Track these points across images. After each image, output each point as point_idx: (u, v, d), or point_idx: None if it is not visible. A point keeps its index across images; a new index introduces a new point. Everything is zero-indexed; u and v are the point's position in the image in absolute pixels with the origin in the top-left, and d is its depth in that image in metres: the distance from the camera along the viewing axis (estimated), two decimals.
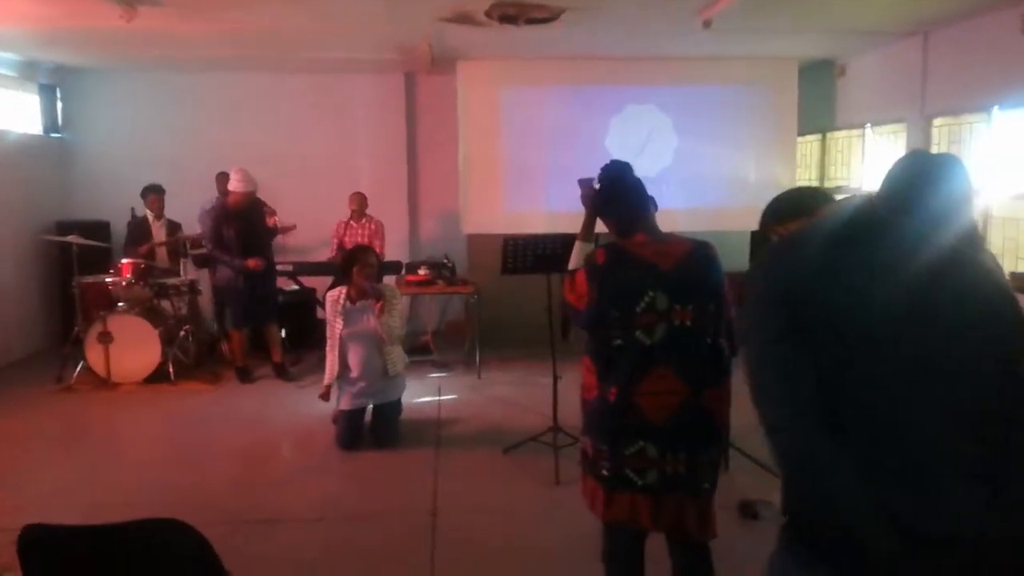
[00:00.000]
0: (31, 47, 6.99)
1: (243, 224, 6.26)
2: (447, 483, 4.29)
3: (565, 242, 4.32)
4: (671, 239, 2.53)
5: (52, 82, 7.93)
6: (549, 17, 5.29)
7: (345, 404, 4.89)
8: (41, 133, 7.85)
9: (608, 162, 2.70)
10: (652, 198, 2.61)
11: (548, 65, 7.45)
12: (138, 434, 5.35)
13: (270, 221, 6.49)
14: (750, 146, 7.63)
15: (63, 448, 5.03)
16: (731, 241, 8.38)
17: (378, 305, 4.76)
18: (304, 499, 4.10)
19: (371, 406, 4.95)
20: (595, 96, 7.53)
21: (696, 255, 2.49)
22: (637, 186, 2.61)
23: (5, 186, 7.12)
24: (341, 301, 4.88)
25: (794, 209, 2.14)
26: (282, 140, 8.19)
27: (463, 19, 5.47)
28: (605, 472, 2.45)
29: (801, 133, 7.80)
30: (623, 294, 2.39)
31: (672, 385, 2.38)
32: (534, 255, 4.40)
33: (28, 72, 7.59)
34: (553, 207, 7.63)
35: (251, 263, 6.23)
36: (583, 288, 2.46)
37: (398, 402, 5.05)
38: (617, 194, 2.60)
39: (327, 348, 4.95)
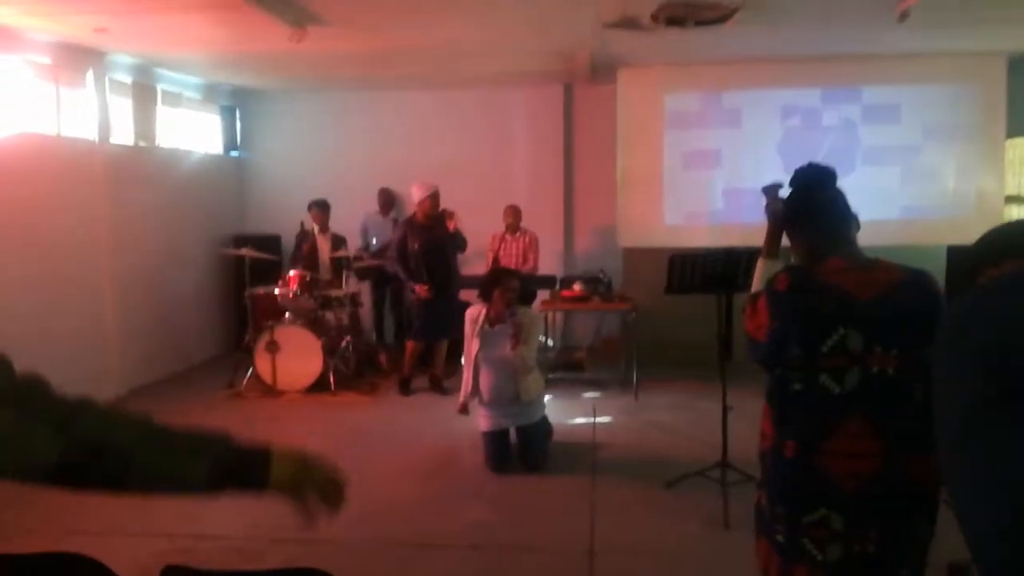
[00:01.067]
0: (213, 70, 7.45)
1: (428, 238, 6.31)
2: (605, 518, 4.00)
3: (737, 259, 3.95)
4: (877, 265, 2.06)
5: (232, 103, 8.45)
6: (722, 17, 4.92)
7: (485, 425, 4.75)
8: (221, 152, 8.36)
9: (803, 165, 2.22)
10: (855, 215, 2.16)
11: (715, 70, 7.03)
12: (299, 443, 5.43)
13: (450, 224, 6.42)
14: (949, 150, 6.82)
15: None
16: (925, 257, 7.52)
17: (516, 334, 4.59)
18: (457, 523, 3.97)
19: (514, 428, 4.77)
20: (767, 101, 7.02)
21: (908, 286, 2.01)
22: (837, 199, 2.16)
23: (190, 202, 7.62)
24: (479, 321, 4.74)
25: (1013, 246, 1.67)
26: (440, 155, 8.24)
27: (628, 24, 5.21)
28: (780, 538, 2.06)
29: (1010, 135, 6.89)
30: (807, 328, 1.98)
31: (867, 446, 1.95)
32: (702, 274, 4.04)
33: (210, 95, 8.12)
34: (718, 220, 7.20)
35: (419, 289, 6.29)
36: (764, 317, 2.06)
37: (543, 424, 4.84)
38: (810, 207, 2.16)
39: (463, 363, 4.84)
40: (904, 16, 4.82)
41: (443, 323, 6.38)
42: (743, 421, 4.15)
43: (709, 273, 4.02)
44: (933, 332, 1.99)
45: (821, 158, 6.99)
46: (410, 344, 6.60)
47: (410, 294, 6.52)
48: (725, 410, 4.16)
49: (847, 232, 2.13)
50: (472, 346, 4.73)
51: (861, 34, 5.91)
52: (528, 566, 3.56)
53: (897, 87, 6.86)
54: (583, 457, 4.92)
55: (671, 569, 3.54)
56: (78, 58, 6.07)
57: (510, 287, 4.70)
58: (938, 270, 6.98)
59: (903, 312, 1.99)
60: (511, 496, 4.36)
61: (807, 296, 2.01)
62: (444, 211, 6.41)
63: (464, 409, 4.90)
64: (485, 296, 4.80)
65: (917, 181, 6.87)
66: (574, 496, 4.29)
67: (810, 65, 6.86)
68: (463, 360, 4.87)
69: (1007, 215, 7.03)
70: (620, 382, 6.71)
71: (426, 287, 6.29)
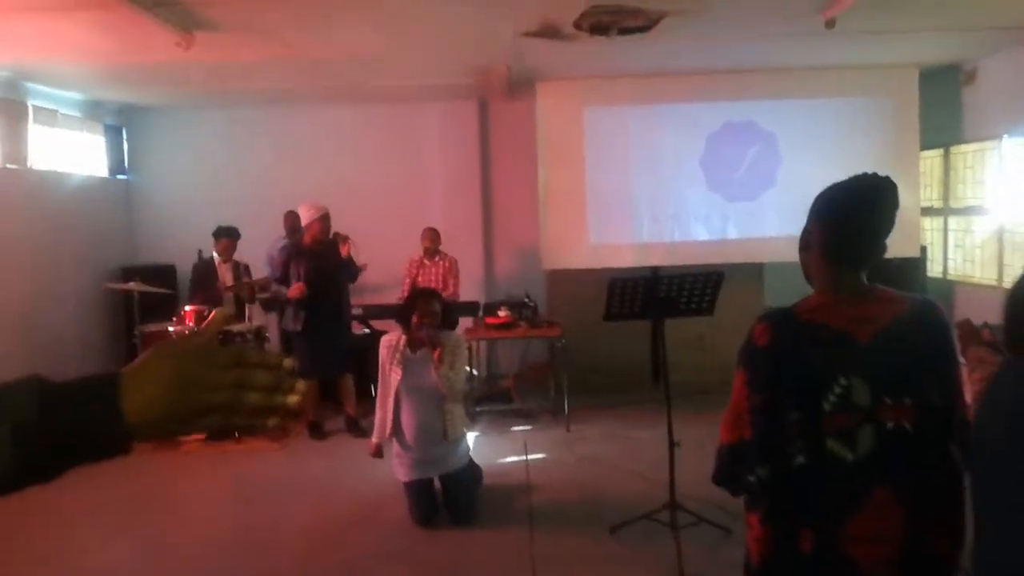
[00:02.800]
0: (95, 85, 6.74)
1: (317, 263, 5.75)
2: None
3: (681, 284, 3.65)
4: (874, 295, 1.72)
5: (118, 122, 7.71)
6: (646, 25, 4.65)
7: (403, 475, 4.27)
8: (107, 175, 7.60)
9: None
10: (884, 244, 1.74)
11: (636, 83, 6.81)
12: (199, 507, 4.78)
13: (343, 249, 5.89)
14: (867, 164, 6.76)
15: (120, 522, 4.54)
16: None
17: (436, 354, 4.14)
18: None
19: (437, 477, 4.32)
20: (689, 114, 6.85)
21: (912, 319, 1.69)
22: (875, 218, 1.71)
23: (70, 230, 6.84)
24: (401, 348, 4.28)
25: None
26: (351, 175, 7.76)
27: (549, 32, 4.89)
28: None
29: (921, 148, 6.93)
30: (802, 385, 1.62)
31: (895, 522, 1.59)
32: (643, 299, 3.71)
33: (93, 112, 7.37)
34: (645, 238, 6.96)
35: (291, 292, 5.66)
36: (742, 401, 1.66)
37: (467, 470, 4.39)
38: (839, 223, 1.73)
39: (378, 399, 4.35)
40: (831, 23, 4.68)
41: (334, 356, 5.84)
42: (687, 454, 3.85)
43: (650, 297, 3.69)
44: (942, 373, 1.70)
45: (743, 171, 7.00)
46: (300, 384, 6.03)
47: (290, 325, 5.90)
48: (672, 445, 3.83)
49: (866, 260, 1.73)
50: (392, 376, 4.25)
51: (783, 45, 5.80)
52: None
53: (816, 100, 6.81)
54: (519, 503, 4.51)
55: None
56: None
57: (430, 310, 4.25)
58: None
59: (909, 351, 1.67)
60: (439, 556, 3.89)
61: (797, 344, 1.66)
62: (337, 235, 5.90)
63: (378, 452, 4.39)
64: (403, 321, 4.34)
65: None
66: (512, 551, 3.86)
67: (731, 78, 6.73)
68: (376, 396, 4.37)
69: (923, 226, 7.07)
70: (550, 412, 6.35)
71: (300, 286, 5.63)
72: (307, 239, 5.84)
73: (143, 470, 5.33)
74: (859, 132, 6.77)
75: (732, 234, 6.90)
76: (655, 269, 7.12)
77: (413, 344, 4.27)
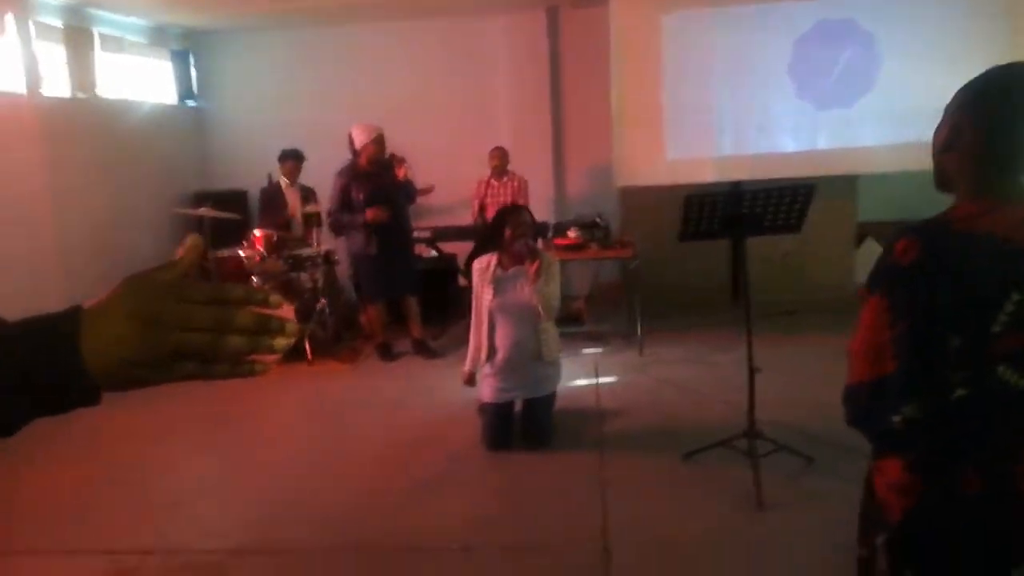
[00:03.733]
0: (160, 9, 6.66)
1: (376, 185, 5.63)
2: (618, 504, 3.46)
3: (767, 199, 3.35)
4: None
5: (184, 48, 7.65)
6: None
7: (489, 396, 4.17)
8: (176, 102, 7.61)
9: (1013, 63, 1.48)
10: None
11: None
12: (273, 427, 4.83)
13: (399, 172, 5.71)
14: (978, 69, 6.12)
15: (197, 441, 4.64)
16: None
17: (534, 267, 3.97)
18: (449, 520, 3.41)
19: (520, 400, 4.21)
20: (778, 15, 6.27)
21: None
22: None
23: (141, 159, 6.90)
24: (491, 268, 4.14)
25: None
26: (417, 94, 7.54)
27: None
28: None
29: None
30: (964, 305, 1.36)
31: None
32: (723, 216, 3.42)
33: (159, 38, 7.32)
34: (727, 151, 6.54)
35: (369, 214, 5.55)
36: (880, 327, 1.39)
37: (552, 395, 4.27)
38: (997, 118, 1.43)
39: (472, 326, 4.25)
40: None
41: (399, 278, 5.78)
42: (769, 378, 3.62)
43: (731, 214, 3.40)
44: None
45: (836, 76, 6.43)
46: (369, 307, 6.01)
47: (357, 247, 5.83)
48: (752, 371, 3.59)
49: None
50: (484, 297, 4.13)
51: None
52: (533, 572, 3.03)
53: None
54: (590, 428, 4.38)
55: (700, 565, 3.01)
56: None
57: (522, 221, 4.10)
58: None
59: None
60: (511, 482, 3.81)
61: (954, 258, 1.37)
62: (393, 156, 5.71)
63: (471, 380, 4.28)
64: (492, 242, 4.20)
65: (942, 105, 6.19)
66: (582, 477, 3.74)
67: None
68: (472, 321, 4.25)
69: None
70: (623, 335, 6.15)
71: (378, 210, 5.52)
72: (363, 161, 5.70)
73: (216, 389, 5.44)
74: (967, 28, 6.09)
75: (822, 144, 6.38)
76: (736, 184, 6.73)
77: (505, 262, 4.12)
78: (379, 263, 5.73)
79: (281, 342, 0.72)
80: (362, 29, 7.57)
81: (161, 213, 7.06)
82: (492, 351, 4.14)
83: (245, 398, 5.19)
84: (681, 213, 3.41)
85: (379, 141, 5.64)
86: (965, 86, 1.48)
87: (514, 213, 4.19)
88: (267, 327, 0.70)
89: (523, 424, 4.19)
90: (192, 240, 0.78)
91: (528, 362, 4.11)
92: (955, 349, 1.34)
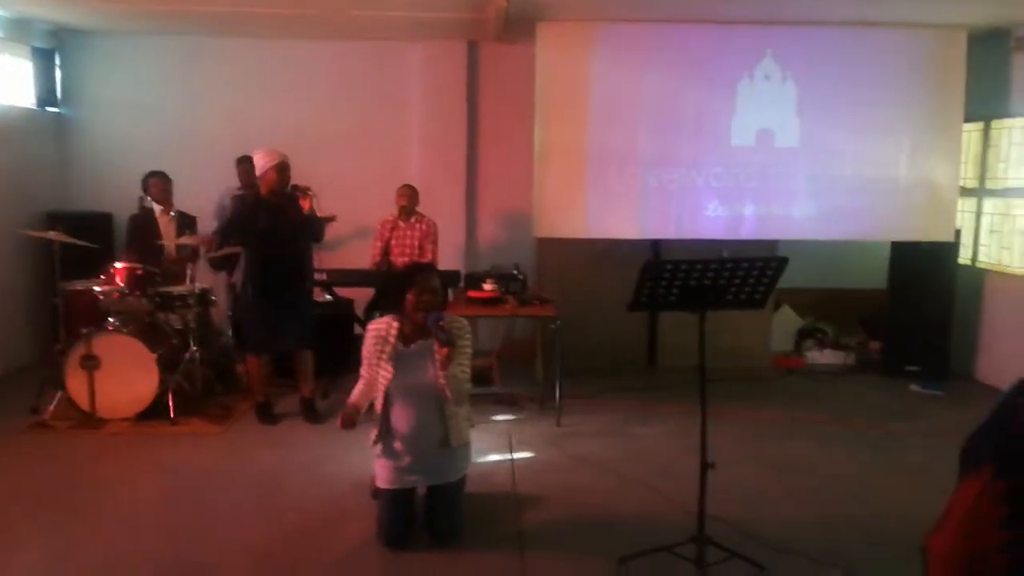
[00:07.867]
0: (21, 0, 5.71)
1: (276, 218, 4.86)
2: None
3: (734, 271, 2.88)
4: None
5: (49, 46, 6.66)
6: None
7: (384, 480, 3.47)
8: (35, 106, 6.58)
9: None
10: None
11: (653, 29, 5.98)
12: (114, 514, 3.80)
13: (304, 204, 4.95)
14: (906, 133, 6.06)
15: (25, 520, 3.68)
16: (868, 253, 6.87)
17: (443, 353, 3.32)
18: None
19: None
20: (708, 65, 6.03)
21: None
22: None
23: None
24: (391, 340, 3.46)
25: None
26: (318, 120, 6.86)
27: None
28: None
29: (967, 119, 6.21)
30: None
31: None
32: (683, 287, 2.92)
33: (19, 33, 6.32)
34: (651, 208, 6.20)
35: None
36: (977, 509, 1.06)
37: (462, 482, 3.62)
38: None
39: (358, 384, 3.52)
40: None
41: (290, 330, 5.00)
42: (693, 462, 3.12)
43: (693, 286, 2.89)
44: None
45: (765, 139, 6.22)
46: (250, 359, 5.19)
47: (239, 291, 5.11)
48: (705, 466, 3.08)
49: None
50: (381, 375, 3.43)
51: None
52: None
53: (848, 56, 6.04)
54: (506, 517, 3.74)
55: None
56: None
57: (429, 286, 3.42)
58: (880, 268, 6.35)
59: None
60: None
61: None
62: (296, 188, 5.00)
63: (350, 420, 3.36)
64: (393, 303, 3.51)
65: (864, 169, 6.07)
66: None
67: (760, 34, 5.96)
68: (359, 384, 3.52)
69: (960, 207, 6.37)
70: (537, 399, 5.59)
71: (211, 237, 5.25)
72: (263, 190, 4.96)
73: (60, 453, 4.50)
74: (896, 97, 6.04)
75: (748, 209, 6.13)
76: (656, 243, 6.37)
77: (407, 332, 3.46)
78: (266, 310, 4.94)
79: None
80: (260, 43, 6.84)
81: (7, 235, 6.00)
82: (387, 433, 3.46)
83: (87, 469, 4.26)
84: (636, 281, 2.88)
85: (282, 169, 4.90)
86: None
87: (421, 275, 3.48)
88: None
89: (427, 515, 3.50)
90: None
91: (432, 448, 3.45)
92: None
